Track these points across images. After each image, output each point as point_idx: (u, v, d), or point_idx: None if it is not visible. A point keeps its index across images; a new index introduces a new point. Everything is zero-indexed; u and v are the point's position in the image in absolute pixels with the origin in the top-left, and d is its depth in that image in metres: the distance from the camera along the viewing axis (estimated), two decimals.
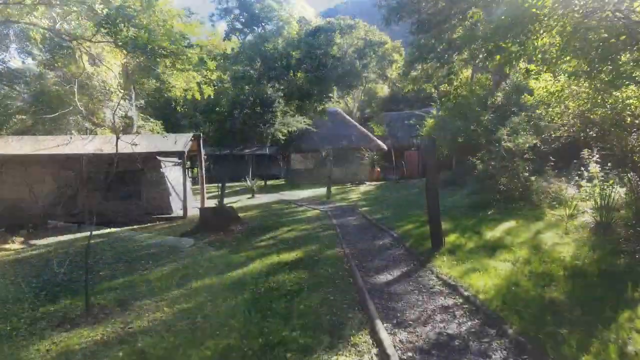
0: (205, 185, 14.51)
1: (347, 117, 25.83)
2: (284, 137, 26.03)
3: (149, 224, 11.70)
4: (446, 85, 22.34)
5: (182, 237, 8.79)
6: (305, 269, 5.48)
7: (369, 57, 38.93)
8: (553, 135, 8.21)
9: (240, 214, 11.42)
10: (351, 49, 39.96)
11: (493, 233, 6.66)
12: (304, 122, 23.49)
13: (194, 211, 12.25)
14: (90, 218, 11.75)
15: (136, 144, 6.43)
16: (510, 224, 7.24)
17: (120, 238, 8.90)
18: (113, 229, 10.51)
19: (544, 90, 6.91)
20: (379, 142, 22.92)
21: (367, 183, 19.03)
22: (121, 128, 18.14)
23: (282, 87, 10.30)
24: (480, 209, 8.85)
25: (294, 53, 10.29)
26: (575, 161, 7.60)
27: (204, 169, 14.56)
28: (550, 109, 7.34)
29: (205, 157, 17.90)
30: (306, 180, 22.54)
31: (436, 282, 4.62)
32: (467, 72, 22.13)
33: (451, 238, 6.30)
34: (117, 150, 5.32)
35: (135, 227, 11.13)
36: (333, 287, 4.68)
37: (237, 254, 6.63)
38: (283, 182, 25.39)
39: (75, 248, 7.86)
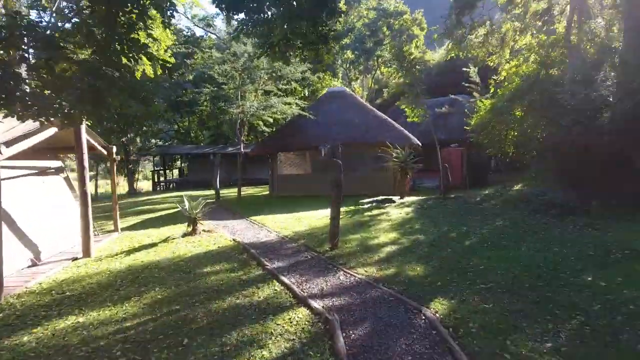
0: (90, 204, 7.10)
1: (360, 99, 18.42)
2: (267, 129, 18.73)
3: None
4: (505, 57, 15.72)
5: None
6: None
7: (382, 33, 31.39)
8: None
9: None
10: (360, 22, 32.42)
11: None
12: (297, 105, 16.16)
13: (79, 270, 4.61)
14: None
15: None
16: None
17: None
18: None
19: None
20: (410, 135, 15.57)
21: (397, 200, 11.67)
22: None
23: None
24: None
25: None
26: None
27: (86, 176, 7.20)
28: None
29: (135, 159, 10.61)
30: (300, 191, 15.14)
31: None
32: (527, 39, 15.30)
33: None
34: None
35: None
36: None
37: None
38: (267, 193, 17.94)
39: None
